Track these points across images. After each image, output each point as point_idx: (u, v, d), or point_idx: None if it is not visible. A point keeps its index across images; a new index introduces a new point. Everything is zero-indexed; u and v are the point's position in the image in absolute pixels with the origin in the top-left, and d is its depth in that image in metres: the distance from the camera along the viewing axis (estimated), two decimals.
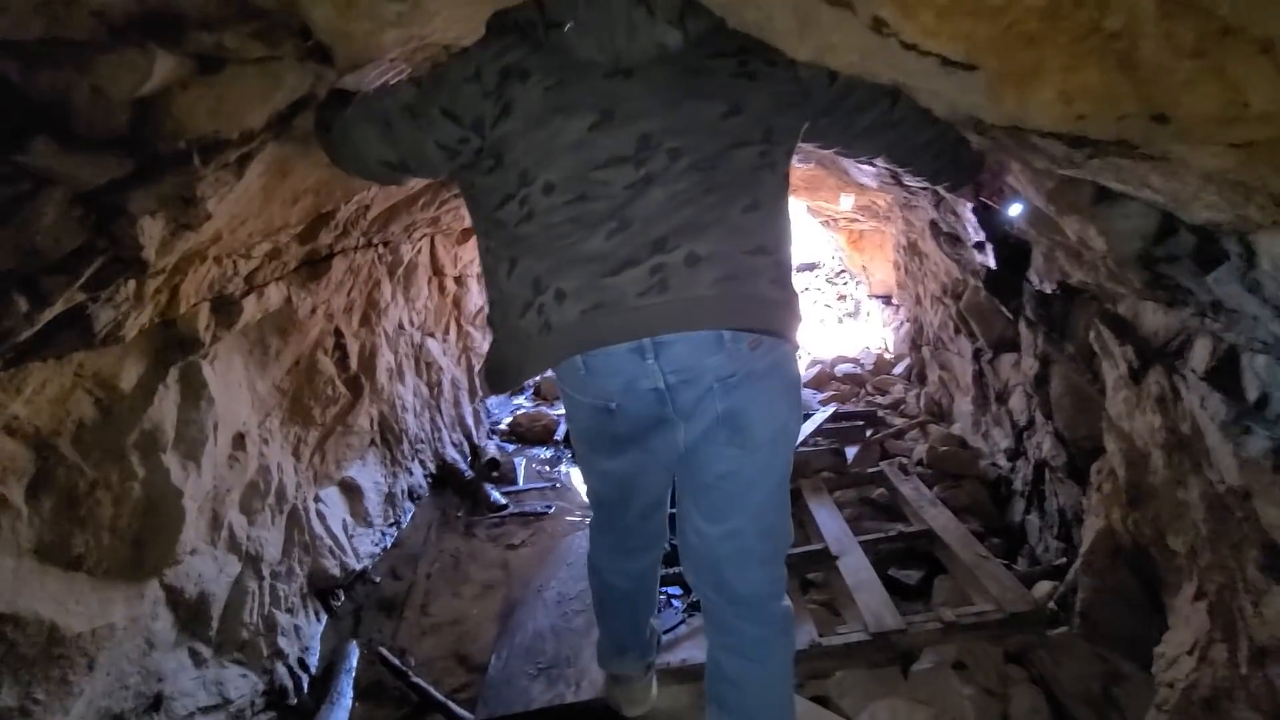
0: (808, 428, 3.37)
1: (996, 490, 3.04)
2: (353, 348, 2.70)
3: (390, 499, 2.95)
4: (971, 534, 2.25)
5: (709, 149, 1.06)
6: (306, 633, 2.12)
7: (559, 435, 4.01)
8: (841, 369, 4.79)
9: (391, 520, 2.90)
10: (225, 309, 1.80)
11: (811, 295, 7.15)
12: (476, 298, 4.34)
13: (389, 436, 3.08)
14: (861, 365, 4.84)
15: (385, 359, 3.04)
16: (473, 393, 4.11)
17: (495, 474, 3.54)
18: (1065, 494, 2.34)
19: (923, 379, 4.10)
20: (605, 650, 1.70)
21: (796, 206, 6.11)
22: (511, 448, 3.99)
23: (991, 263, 2.24)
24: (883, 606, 1.86)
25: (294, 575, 2.12)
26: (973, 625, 1.78)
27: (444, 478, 3.45)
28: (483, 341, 4.35)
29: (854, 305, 6.54)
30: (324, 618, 2.26)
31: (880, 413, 3.87)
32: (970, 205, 2.21)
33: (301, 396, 2.35)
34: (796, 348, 1.18)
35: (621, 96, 1.06)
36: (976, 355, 3.14)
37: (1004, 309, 2.44)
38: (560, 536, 2.95)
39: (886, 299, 5.72)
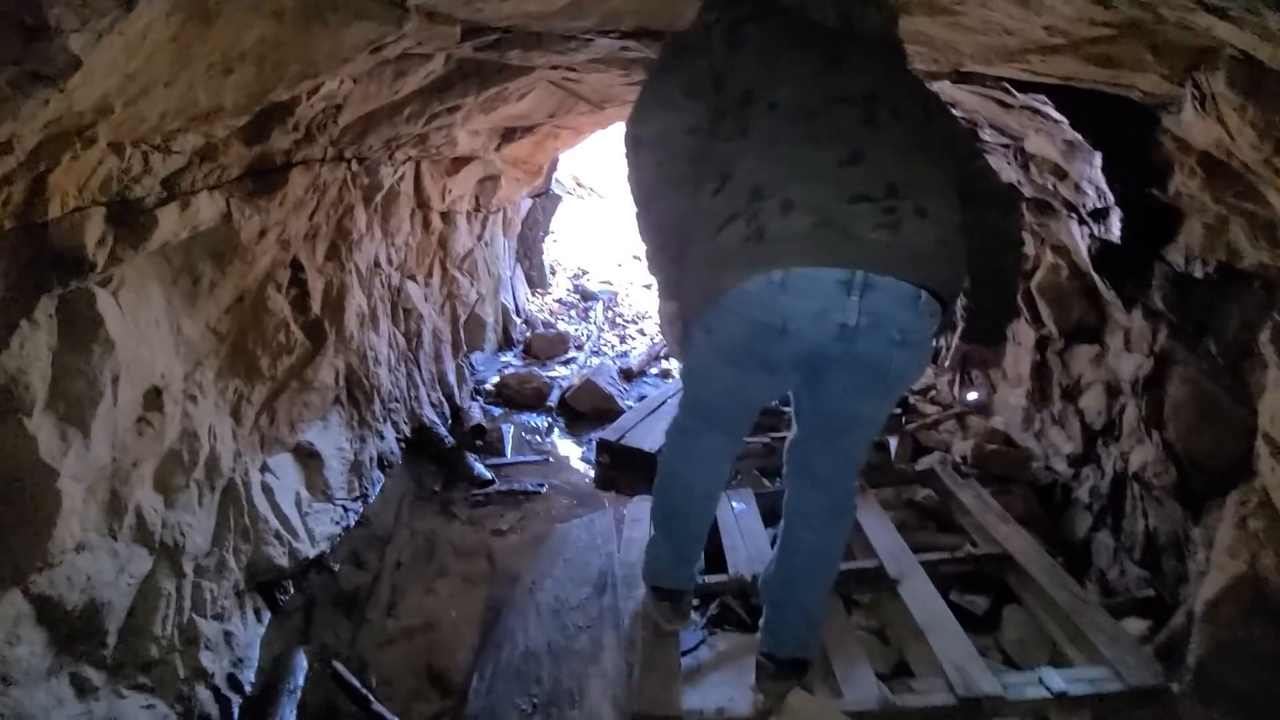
0: None
1: (1048, 497, 2.70)
2: (315, 285, 2.21)
3: (356, 468, 2.50)
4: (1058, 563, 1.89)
5: (919, 125, 1.17)
6: (241, 640, 1.69)
7: (552, 400, 3.57)
8: None
9: (357, 493, 2.46)
10: (130, 220, 1.31)
11: None
12: (465, 238, 3.82)
13: (357, 393, 2.62)
14: None
15: (356, 301, 2.56)
16: (456, 346, 3.64)
17: (480, 442, 3.11)
18: (1162, 516, 1.99)
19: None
20: (661, 561, 1.66)
21: None
22: (498, 412, 3.55)
23: (1115, 234, 1.82)
24: (969, 660, 1.48)
25: (227, 569, 1.67)
26: (1090, 697, 1.41)
27: (420, 443, 3.00)
28: (470, 289, 3.86)
29: None
30: (266, 617, 1.83)
31: (910, 398, 3.50)
32: (1099, 165, 1.77)
33: (245, 343, 1.87)
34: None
35: (848, 54, 1.17)
36: (1041, 344, 2.75)
37: (1112, 291, 2.03)
38: (554, 521, 2.54)
39: None
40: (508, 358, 4.25)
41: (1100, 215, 1.90)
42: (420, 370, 3.23)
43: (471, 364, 3.91)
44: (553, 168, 5.53)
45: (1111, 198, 1.79)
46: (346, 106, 1.90)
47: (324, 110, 1.83)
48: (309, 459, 2.22)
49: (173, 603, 1.50)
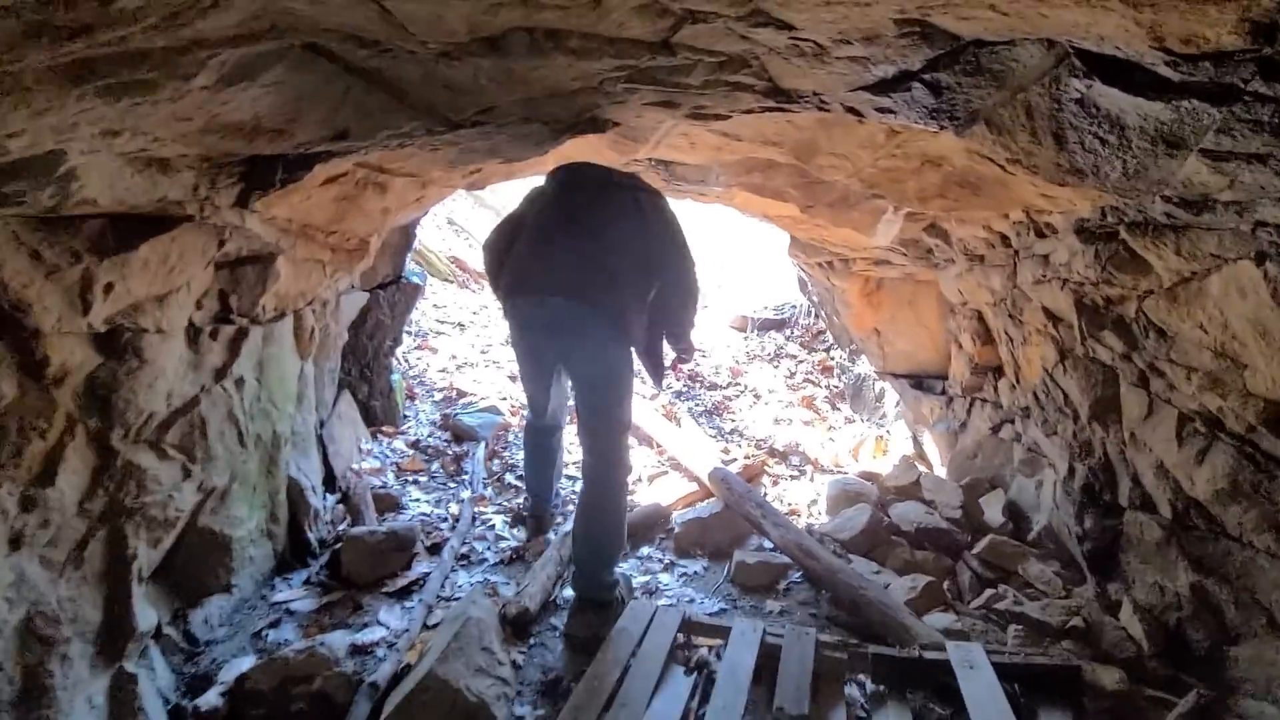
0: None
1: None
2: None
3: None
4: None
5: (612, 233, 2.30)
6: None
7: (421, 570, 1.58)
8: (902, 513, 2.75)
9: None
10: None
11: (784, 365, 5.20)
12: (175, 381, 1.88)
13: None
14: (933, 507, 2.82)
15: None
16: (120, 632, 1.59)
17: None
18: None
19: (1108, 561, 2.12)
20: (531, 504, 2.91)
21: (779, 240, 4.18)
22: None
23: None
24: None
25: None
26: None
27: None
28: (179, 483, 1.87)
29: (852, 383, 4.65)
30: None
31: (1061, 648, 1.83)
32: None
33: None
34: (623, 337, 2.27)
35: (576, 200, 2.38)
36: None
37: None
38: None
39: (918, 380, 3.85)
40: (290, 593, 2.22)
41: None
42: None
43: (190, 636, 1.88)
44: (405, 241, 3.74)
45: None
46: None
47: None
48: None
49: None
